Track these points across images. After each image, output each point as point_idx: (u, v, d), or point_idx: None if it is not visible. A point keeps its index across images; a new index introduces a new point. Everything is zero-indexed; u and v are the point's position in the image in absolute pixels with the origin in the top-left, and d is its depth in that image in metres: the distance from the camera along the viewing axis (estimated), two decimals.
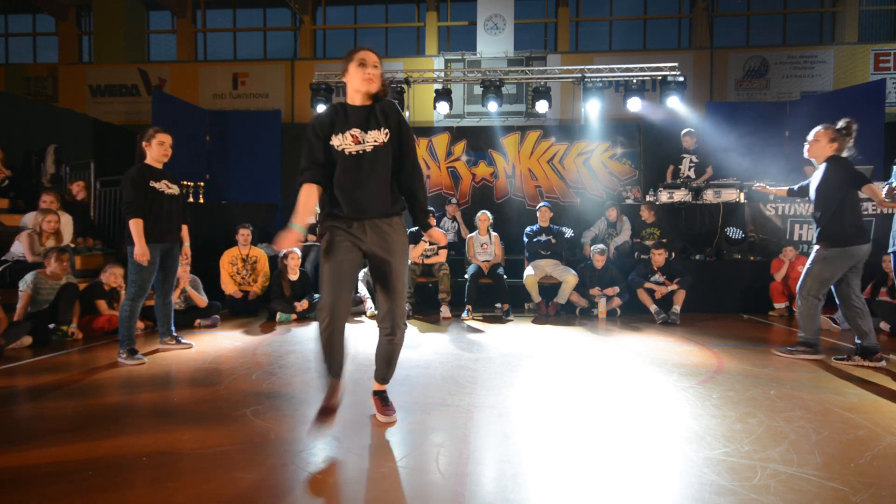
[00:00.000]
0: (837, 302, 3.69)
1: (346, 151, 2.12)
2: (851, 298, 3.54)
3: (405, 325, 2.28)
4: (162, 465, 1.91)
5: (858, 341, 3.52)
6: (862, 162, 6.41)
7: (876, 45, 10.60)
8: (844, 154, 3.55)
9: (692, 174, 7.03)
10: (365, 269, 5.73)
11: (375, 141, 2.13)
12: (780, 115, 8.35)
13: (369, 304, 5.58)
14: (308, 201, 2.12)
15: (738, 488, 1.71)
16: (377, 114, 2.16)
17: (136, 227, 3.42)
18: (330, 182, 2.15)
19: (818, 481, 1.76)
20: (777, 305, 5.70)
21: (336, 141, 2.13)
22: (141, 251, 3.42)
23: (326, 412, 2.13)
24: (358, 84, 2.15)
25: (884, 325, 4.71)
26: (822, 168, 3.56)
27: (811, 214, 3.89)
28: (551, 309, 5.68)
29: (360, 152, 2.12)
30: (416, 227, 2.30)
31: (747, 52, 10.94)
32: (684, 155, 7.18)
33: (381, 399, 2.41)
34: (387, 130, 2.15)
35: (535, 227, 6.05)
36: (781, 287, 5.69)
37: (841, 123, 3.55)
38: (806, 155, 3.67)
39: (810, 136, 3.59)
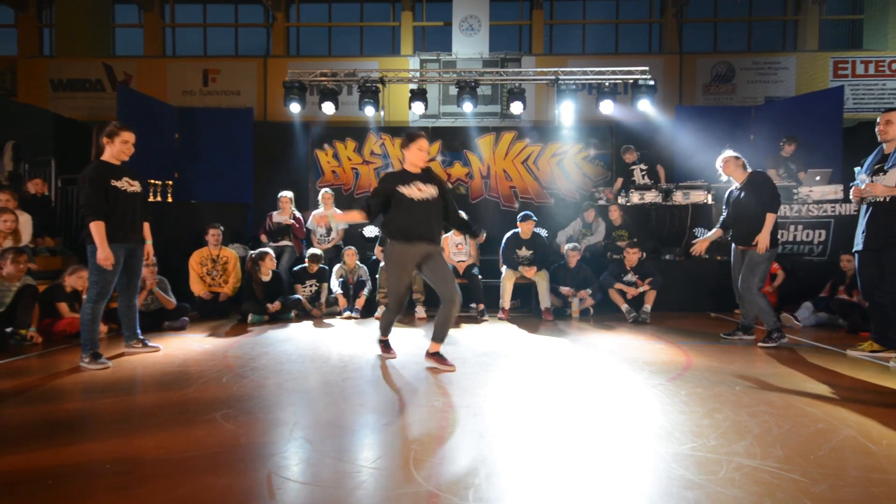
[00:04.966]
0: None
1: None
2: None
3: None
4: (128, 472, 1.85)
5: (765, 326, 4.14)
6: (821, 164, 6.69)
7: (835, 53, 11.03)
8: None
9: (647, 180, 7.29)
10: (337, 266, 5.73)
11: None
12: (745, 119, 8.62)
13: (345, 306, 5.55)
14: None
15: (704, 482, 1.75)
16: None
17: (97, 229, 3.25)
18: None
19: (780, 473, 1.82)
20: None
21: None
22: (104, 255, 3.24)
23: None
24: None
25: (842, 322, 4.91)
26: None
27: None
28: (545, 315, 5.57)
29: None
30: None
31: (714, 57, 11.25)
32: (633, 167, 7.43)
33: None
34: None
35: (514, 234, 5.83)
36: None
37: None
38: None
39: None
